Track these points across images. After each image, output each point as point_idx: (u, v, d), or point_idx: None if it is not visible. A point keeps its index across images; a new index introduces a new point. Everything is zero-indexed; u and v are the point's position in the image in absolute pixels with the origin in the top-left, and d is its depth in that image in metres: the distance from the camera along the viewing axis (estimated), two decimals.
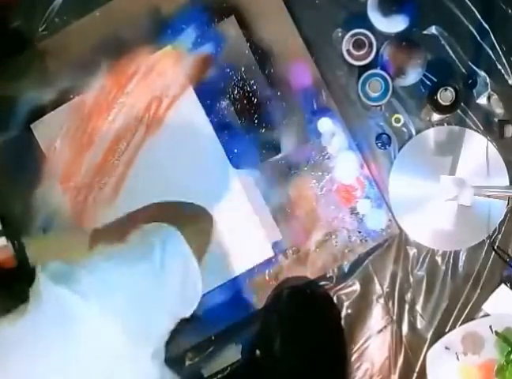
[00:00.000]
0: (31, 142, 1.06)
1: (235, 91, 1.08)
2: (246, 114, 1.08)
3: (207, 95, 1.06)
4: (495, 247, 1.11)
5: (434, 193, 1.09)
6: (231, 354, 1.11)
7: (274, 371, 1.03)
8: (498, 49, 1.10)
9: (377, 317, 1.13)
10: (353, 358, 1.13)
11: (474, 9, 1.10)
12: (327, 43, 1.11)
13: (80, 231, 0.94)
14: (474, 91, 1.11)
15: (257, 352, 1.05)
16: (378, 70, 1.03)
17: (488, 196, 1.07)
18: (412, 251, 1.12)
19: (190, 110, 1.04)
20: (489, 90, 1.10)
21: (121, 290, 0.64)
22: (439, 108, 1.00)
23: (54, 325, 0.60)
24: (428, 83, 1.10)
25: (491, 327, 1.09)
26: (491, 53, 1.11)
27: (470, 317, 1.11)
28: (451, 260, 1.12)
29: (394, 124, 1.12)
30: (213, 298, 1.08)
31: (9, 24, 1.13)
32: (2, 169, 1.10)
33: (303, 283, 1.10)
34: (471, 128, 1.11)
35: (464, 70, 1.11)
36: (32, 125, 1.06)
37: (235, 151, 1.06)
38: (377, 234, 1.10)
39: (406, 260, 1.12)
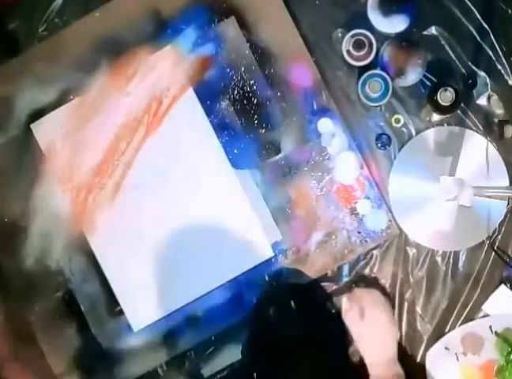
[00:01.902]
0: (31, 142, 1.06)
1: (235, 92, 1.08)
2: (246, 115, 1.08)
3: (207, 95, 1.06)
4: (495, 247, 1.11)
5: (434, 193, 1.09)
6: (231, 354, 1.11)
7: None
8: (498, 49, 1.10)
9: None
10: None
11: (474, 9, 1.10)
12: (327, 43, 1.11)
13: None
14: (474, 91, 1.11)
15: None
16: (377, 71, 1.03)
17: (488, 196, 1.07)
18: (412, 251, 1.12)
19: (189, 111, 1.04)
20: (489, 90, 1.10)
21: None
22: (439, 108, 1.00)
23: None
24: (428, 83, 1.10)
25: (490, 327, 1.09)
26: (491, 53, 1.11)
27: (470, 318, 1.11)
28: (451, 261, 1.12)
29: (394, 124, 1.12)
30: (213, 298, 1.08)
31: (8, 24, 1.14)
32: (2, 169, 1.10)
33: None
34: (471, 128, 1.11)
35: (464, 70, 1.11)
36: (31, 125, 1.06)
37: (235, 151, 1.06)
38: (377, 234, 1.10)
39: (406, 260, 1.12)
